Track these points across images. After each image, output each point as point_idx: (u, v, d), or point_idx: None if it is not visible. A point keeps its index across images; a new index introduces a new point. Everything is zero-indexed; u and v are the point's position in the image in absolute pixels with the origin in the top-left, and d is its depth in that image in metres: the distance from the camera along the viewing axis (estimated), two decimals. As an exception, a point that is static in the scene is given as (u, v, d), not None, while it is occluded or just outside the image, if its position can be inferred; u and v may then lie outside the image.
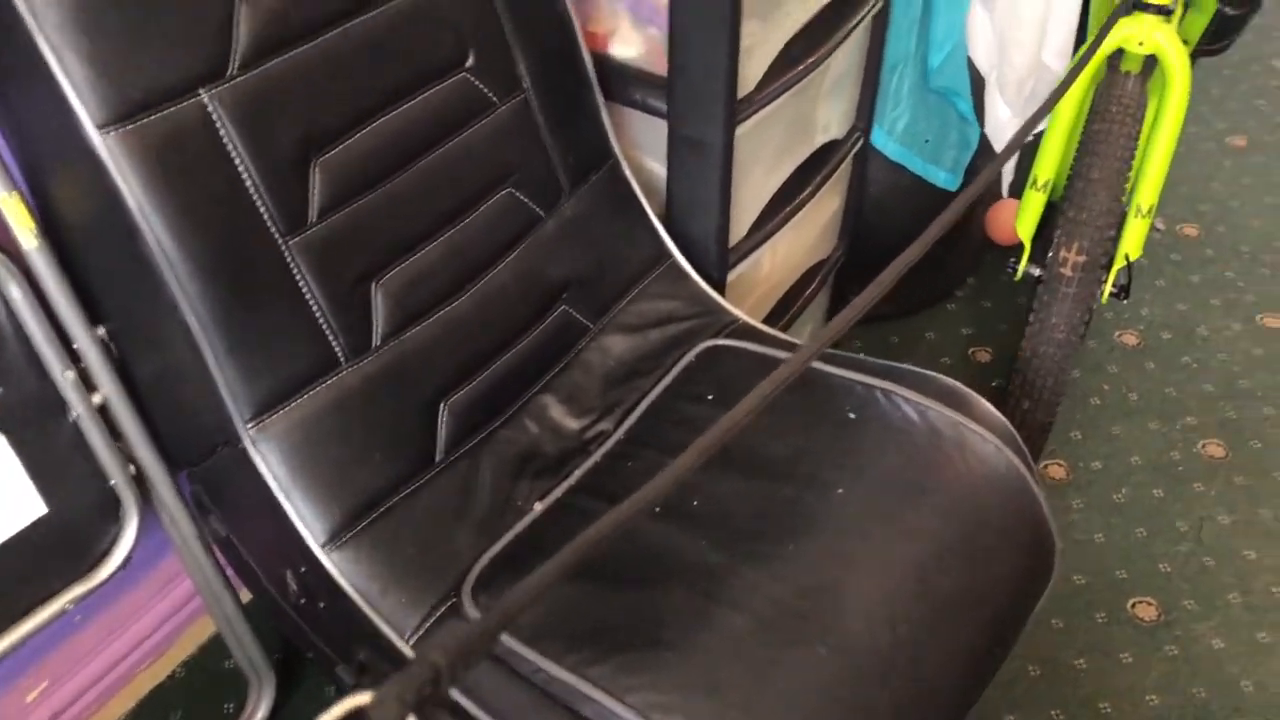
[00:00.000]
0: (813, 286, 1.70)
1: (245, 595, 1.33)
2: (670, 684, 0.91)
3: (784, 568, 0.99)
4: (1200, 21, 1.74)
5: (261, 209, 0.98)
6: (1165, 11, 1.43)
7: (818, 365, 1.20)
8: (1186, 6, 1.83)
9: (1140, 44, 1.44)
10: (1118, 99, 1.46)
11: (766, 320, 1.61)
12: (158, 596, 1.40)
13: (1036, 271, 1.60)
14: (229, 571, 1.28)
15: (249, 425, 1.01)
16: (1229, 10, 1.65)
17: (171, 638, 1.45)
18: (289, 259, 1.00)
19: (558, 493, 1.15)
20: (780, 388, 0.72)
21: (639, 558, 1.04)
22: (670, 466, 0.63)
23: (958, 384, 1.18)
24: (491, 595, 1.02)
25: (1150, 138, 1.51)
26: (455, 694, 0.97)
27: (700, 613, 0.97)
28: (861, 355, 1.23)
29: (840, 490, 1.06)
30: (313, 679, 1.45)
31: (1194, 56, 1.76)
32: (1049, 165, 1.58)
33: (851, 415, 1.14)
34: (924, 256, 2.06)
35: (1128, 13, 1.43)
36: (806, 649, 0.94)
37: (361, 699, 0.37)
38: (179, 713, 1.42)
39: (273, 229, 0.99)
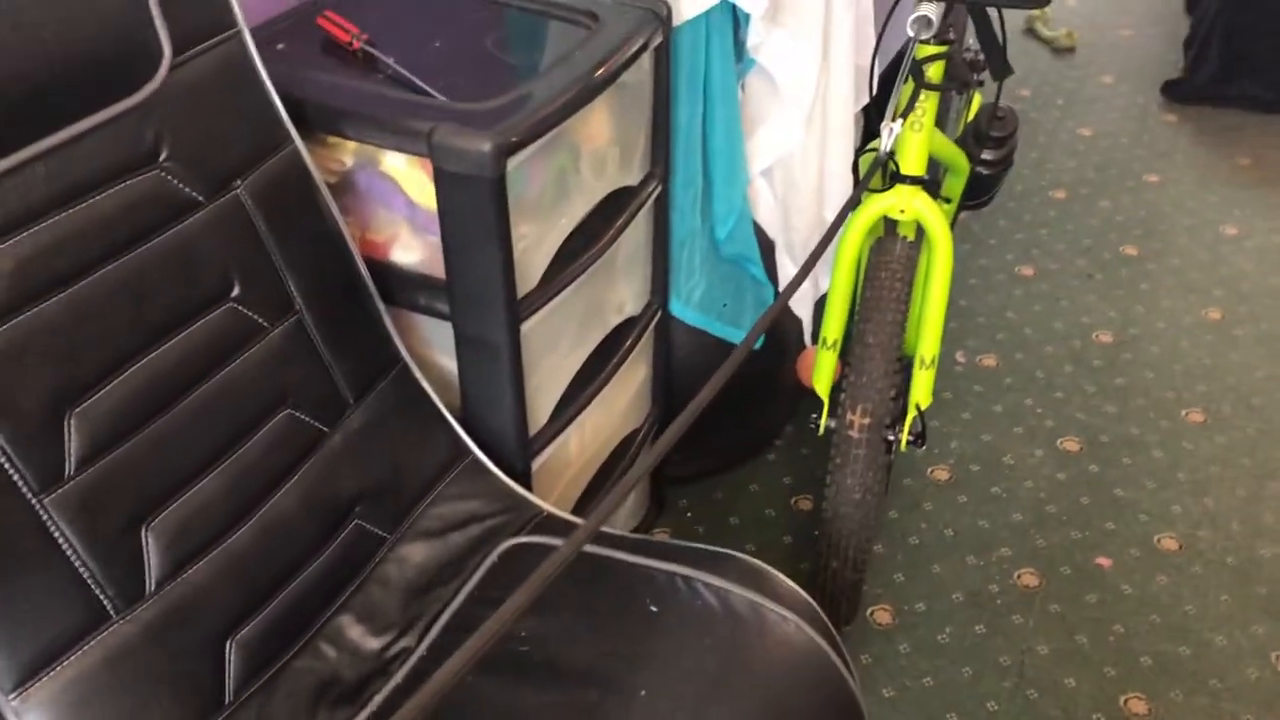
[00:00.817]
0: (627, 458, 1.72)
1: None
2: None
3: (587, 785, 0.98)
4: (959, 183, 1.86)
5: (9, 470, 0.94)
6: (922, 182, 1.53)
7: (615, 553, 1.21)
8: (944, 171, 1.96)
9: (902, 212, 1.54)
10: (886, 264, 1.54)
11: (581, 500, 1.62)
12: None
13: (835, 423, 1.65)
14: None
15: (11, 697, 0.95)
16: (984, 170, 1.77)
17: None
18: (44, 517, 0.96)
19: (358, 721, 1.11)
20: (547, 580, 0.73)
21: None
22: (434, 677, 0.62)
23: (758, 563, 1.20)
24: None
25: (924, 295, 1.59)
26: None
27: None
28: (663, 538, 1.24)
29: (643, 693, 1.05)
30: None
31: (959, 211, 1.88)
32: (835, 325, 1.65)
33: (653, 608, 1.14)
34: (739, 410, 2.11)
35: (888, 184, 1.53)
36: None
37: None
38: None
39: (24, 488, 0.95)
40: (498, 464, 1.36)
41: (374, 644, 1.18)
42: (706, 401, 0.90)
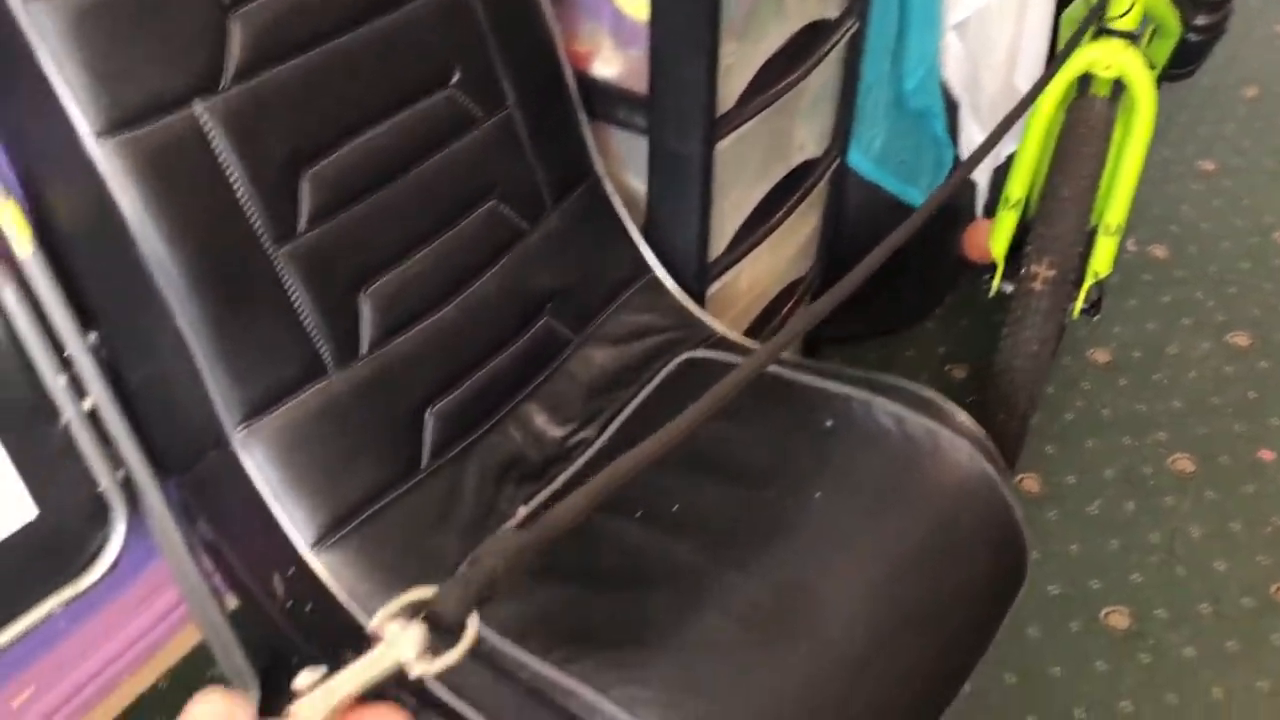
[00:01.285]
0: (790, 304, 1.73)
1: (231, 603, 1.35)
2: (653, 680, 0.93)
3: (762, 570, 1.02)
4: (1166, 47, 1.79)
5: (252, 218, 1.00)
6: (1132, 37, 1.47)
7: (796, 375, 1.23)
8: (1153, 32, 1.88)
9: (1107, 68, 1.49)
10: (1086, 121, 1.50)
11: (744, 335, 1.64)
12: (143, 605, 1.41)
13: (1010, 288, 1.63)
14: (216, 578, 1.29)
15: (238, 428, 1.03)
16: (1194, 37, 1.70)
17: (157, 646, 1.46)
18: (278, 267, 1.02)
19: (541, 498, 1.17)
20: (744, 381, 0.75)
21: (620, 561, 1.06)
22: (619, 460, 0.64)
23: (934, 393, 1.21)
24: (476, 596, 1.03)
25: (1118, 159, 1.55)
26: (442, 692, 0.98)
27: (681, 613, 0.99)
28: (838, 365, 1.26)
29: (818, 495, 1.09)
30: (296, 688, 1.46)
31: (1160, 81, 1.81)
32: (1021, 184, 1.62)
33: (829, 424, 1.17)
34: (902, 275, 2.10)
35: (1094, 37, 1.48)
36: (785, 648, 0.96)
37: (423, 592, 0.36)
38: (162, 722, 1.43)
39: (263, 238, 1.01)
40: (676, 284, 1.39)
41: (557, 432, 1.23)
42: (883, 259, 0.90)
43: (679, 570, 1.03)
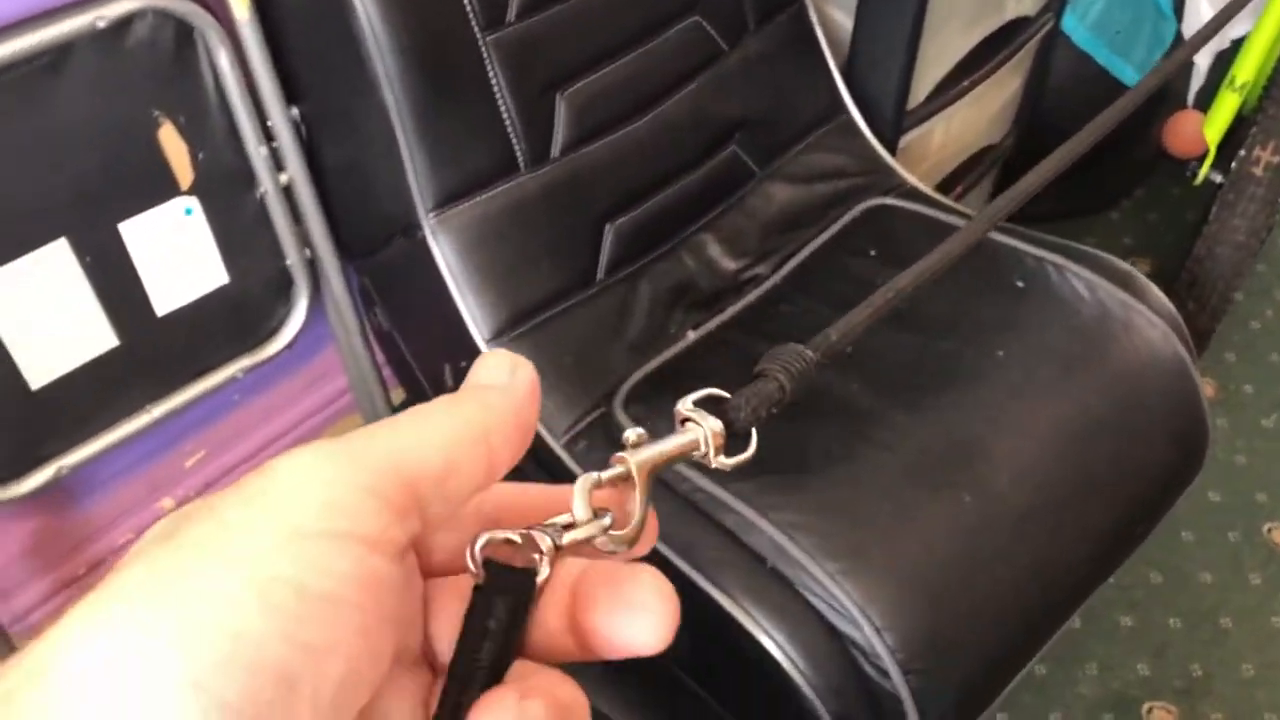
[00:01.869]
0: (978, 170, 1.66)
1: (396, 396, 1.39)
2: (812, 507, 0.93)
3: (936, 417, 1.00)
4: None
5: (466, 1, 0.99)
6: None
7: (989, 234, 1.18)
8: None
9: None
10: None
11: (928, 196, 1.58)
12: (311, 388, 1.47)
13: (1218, 177, 1.53)
14: (385, 370, 1.33)
15: (431, 214, 1.04)
16: None
17: (318, 430, 1.52)
18: (485, 54, 1.01)
19: (711, 325, 1.16)
20: (973, 242, 0.71)
21: (790, 391, 1.05)
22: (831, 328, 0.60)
23: (1131, 268, 1.15)
24: (642, 408, 1.04)
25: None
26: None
27: (848, 449, 0.98)
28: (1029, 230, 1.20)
29: (1001, 353, 1.05)
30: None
31: None
32: (1250, 67, 1.50)
33: (1020, 284, 1.12)
34: (1094, 158, 1.98)
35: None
36: (950, 495, 0.94)
37: (721, 392, 0.35)
38: (319, 502, 1.50)
39: (474, 23, 1.00)
40: (869, 129, 1.34)
41: (730, 264, 1.22)
42: (1098, 135, 0.83)
43: (849, 407, 1.01)
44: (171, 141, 1.05)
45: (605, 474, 0.29)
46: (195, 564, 0.21)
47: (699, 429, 0.31)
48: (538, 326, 1.09)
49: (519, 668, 0.26)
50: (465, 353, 1.08)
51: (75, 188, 1.01)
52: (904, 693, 0.88)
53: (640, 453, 0.29)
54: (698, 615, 0.96)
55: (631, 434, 0.30)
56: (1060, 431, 1.00)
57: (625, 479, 0.29)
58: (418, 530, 0.23)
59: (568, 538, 0.27)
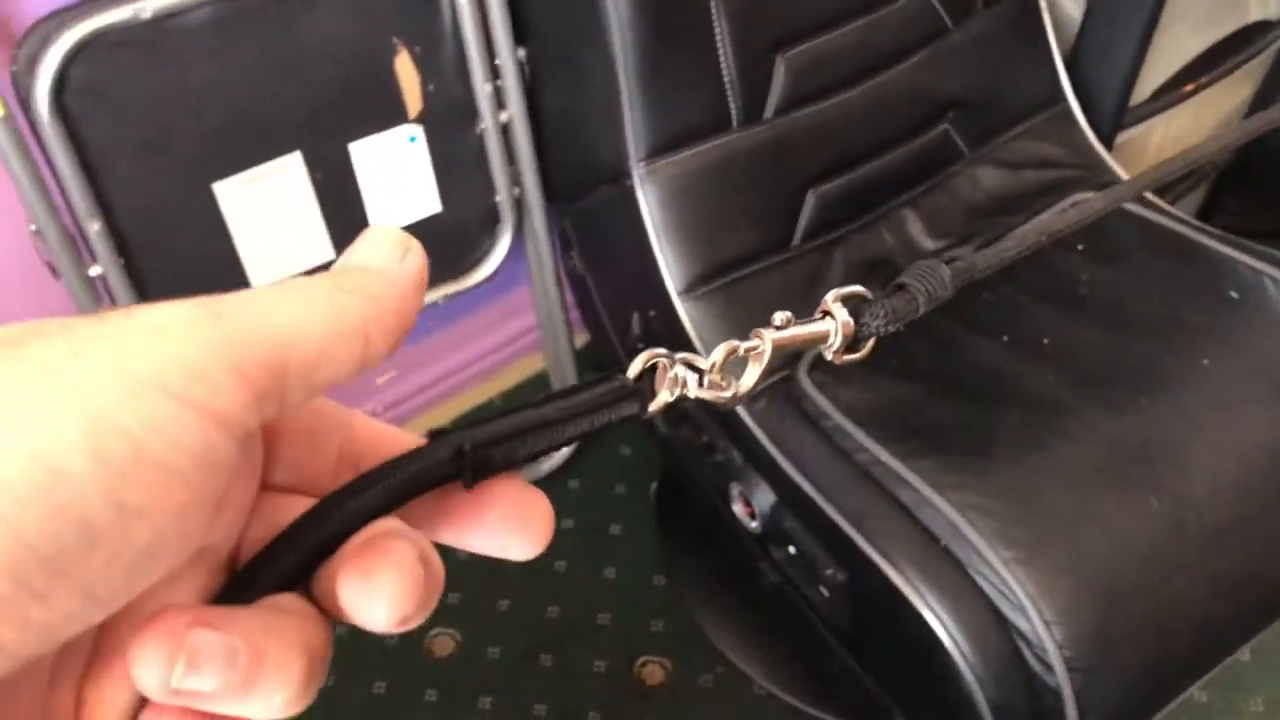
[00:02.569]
0: (1193, 178, 1.60)
1: (579, 340, 1.43)
2: (993, 491, 0.92)
3: (1130, 417, 0.97)
4: None
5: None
6: None
7: (1202, 238, 1.14)
8: None
9: None
10: None
11: (1137, 199, 1.53)
12: (499, 324, 1.52)
13: None
14: (573, 313, 1.37)
15: (641, 164, 1.06)
16: None
17: (502, 365, 1.57)
18: (714, 9, 1.03)
19: (924, 262, 1.15)
20: (1109, 209, 0.68)
21: (978, 376, 1.04)
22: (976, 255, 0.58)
23: (1359, 290, 1.09)
24: (826, 374, 1.05)
25: None
26: (775, 455, 1.01)
27: (1034, 437, 0.96)
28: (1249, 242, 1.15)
29: (1206, 361, 1.01)
30: (617, 429, 1.55)
31: None
32: None
33: (1234, 295, 1.08)
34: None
35: None
36: (1137, 497, 0.92)
37: (864, 291, 0.36)
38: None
39: (704, -24, 1.02)
40: (1087, 122, 1.30)
41: (929, 244, 1.20)
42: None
43: (1039, 398, 0.99)
44: (405, 70, 1.10)
45: (743, 345, 0.31)
46: (31, 382, 0.19)
47: (832, 321, 0.33)
48: (730, 284, 1.10)
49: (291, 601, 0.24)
50: (655, 302, 1.10)
51: (314, 105, 1.07)
52: (1066, 689, 0.87)
53: (777, 335, 0.32)
54: (862, 586, 0.97)
55: (779, 316, 0.32)
56: (1264, 450, 0.96)
57: (757, 351, 0.31)
58: (273, 416, 0.22)
59: (703, 384, 0.30)
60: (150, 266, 1.06)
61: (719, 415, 1.08)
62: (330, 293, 0.23)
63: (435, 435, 0.26)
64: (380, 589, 0.23)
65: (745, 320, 1.09)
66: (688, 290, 1.08)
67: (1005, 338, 1.07)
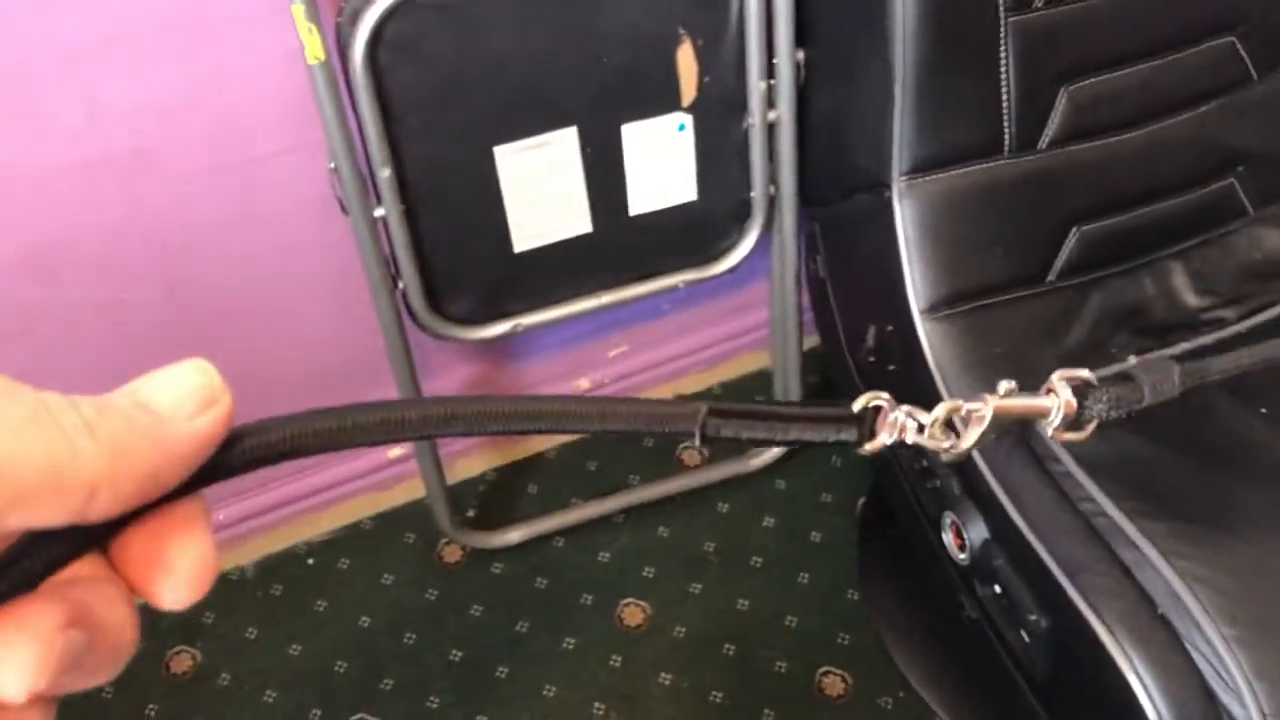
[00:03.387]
0: None
1: (807, 343, 1.44)
2: (1224, 565, 0.87)
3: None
4: None
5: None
6: None
7: None
8: None
9: None
10: None
11: None
12: (731, 316, 1.55)
13: None
14: (806, 315, 1.38)
15: (903, 177, 1.06)
16: None
17: (725, 357, 1.60)
18: (1003, 34, 1.01)
19: (1155, 357, 1.11)
20: None
21: (1227, 444, 0.99)
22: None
23: None
24: (1062, 418, 1.02)
25: None
26: (996, 491, 0.99)
27: (1277, 518, 0.91)
28: None
29: None
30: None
31: None
32: None
33: None
34: None
35: None
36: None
37: (1088, 375, 0.38)
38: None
39: (1000, 1, 1.00)
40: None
41: (1193, 300, 1.15)
42: None
43: (1291, 478, 0.94)
44: (686, 60, 1.14)
45: (966, 405, 0.33)
46: None
47: (1056, 399, 0.34)
48: (976, 310, 1.08)
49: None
50: (895, 318, 1.10)
51: (598, 84, 1.12)
52: (1274, 787, 0.82)
53: (999, 401, 0.33)
54: (1066, 638, 0.94)
55: (1004, 385, 0.34)
56: None
57: (979, 415, 0.33)
58: None
59: (922, 434, 0.33)
60: (426, 215, 1.13)
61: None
62: (70, 434, 0.20)
63: None
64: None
65: (986, 350, 1.07)
66: (931, 310, 1.08)
67: (1264, 410, 1.01)
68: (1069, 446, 0.98)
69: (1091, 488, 0.94)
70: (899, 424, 0.32)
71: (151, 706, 1.32)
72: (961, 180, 1.07)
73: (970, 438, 0.33)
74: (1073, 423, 0.36)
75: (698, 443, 0.29)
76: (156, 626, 1.38)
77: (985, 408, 0.33)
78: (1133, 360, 1.10)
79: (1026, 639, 0.99)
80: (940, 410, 0.33)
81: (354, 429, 0.26)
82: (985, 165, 1.07)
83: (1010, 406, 0.34)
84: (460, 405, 0.27)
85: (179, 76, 1.04)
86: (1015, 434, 1.02)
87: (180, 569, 0.23)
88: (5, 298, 1.11)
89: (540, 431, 0.29)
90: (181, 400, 0.21)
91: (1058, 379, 0.35)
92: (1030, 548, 0.96)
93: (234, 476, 0.24)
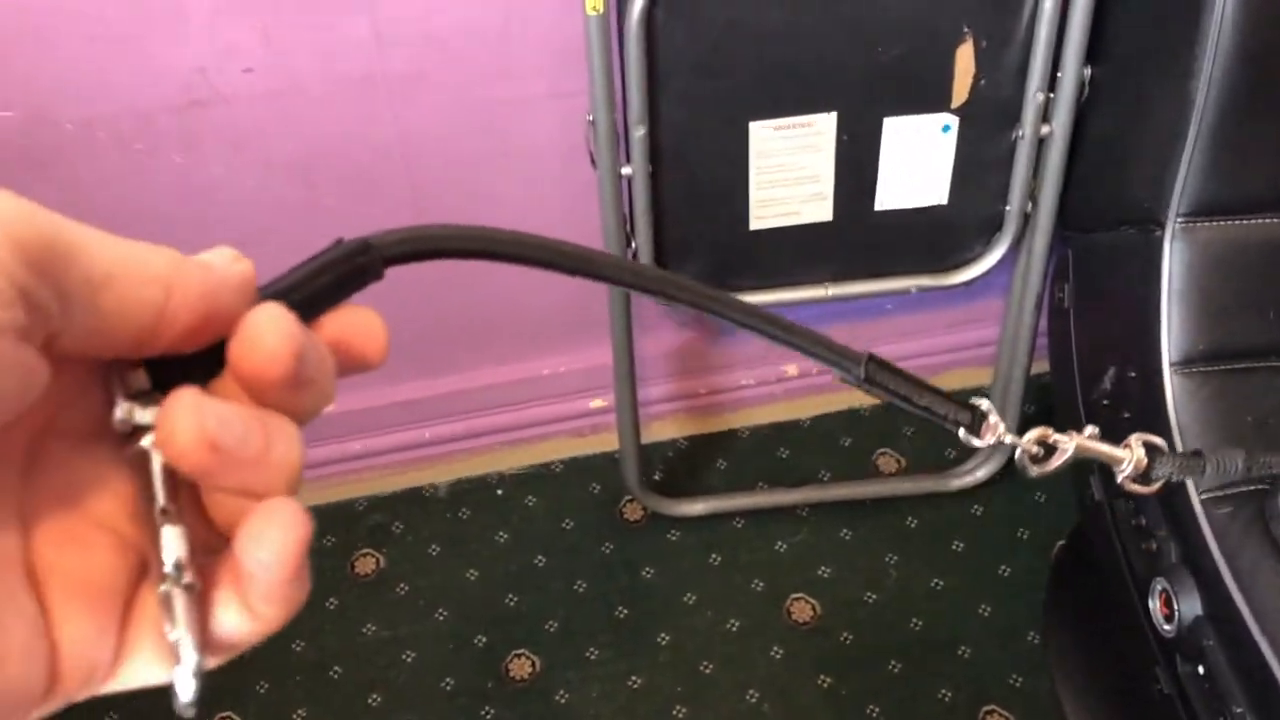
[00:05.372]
0: None
1: (1036, 368, 1.37)
2: None
3: None
4: None
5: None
6: None
7: None
8: None
9: None
10: None
11: None
12: (957, 328, 1.49)
13: None
14: (1037, 340, 1.32)
15: (1180, 218, 0.99)
16: None
17: (943, 368, 1.54)
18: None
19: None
20: None
21: None
22: None
23: None
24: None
25: None
26: (1222, 568, 0.92)
27: None
28: None
29: None
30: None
31: None
32: None
33: None
34: None
35: None
36: None
37: (1160, 442, 0.42)
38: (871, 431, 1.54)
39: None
40: None
41: None
42: None
43: None
44: (964, 60, 1.09)
45: (1055, 435, 0.39)
46: None
47: (1130, 454, 0.40)
48: (1232, 373, 1.01)
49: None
50: (1140, 363, 1.03)
51: (867, 72, 1.09)
52: None
53: (1082, 440, 0.39)
54: (1255, 690, 0.87)
55: (1089, 429, 0.40)
56: None
57: (1062, 447, 0.39)
58: (43, 298, 0.22)
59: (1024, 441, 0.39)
60: (671, 179, 1.13)
61: (1166, 502, 1.00)
62: (150, 248, 0.24)
63: None
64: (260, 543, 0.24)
65: (1235, 416, 1.00)
66: (1184, 363, 1.00)
67: None
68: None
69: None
70: (997, 428, 0.38)
71: (332, 600, 1.39)
72: (1244, 232, 0.99)
73: (1054, 463, 0.39)
74: (1142, 477, 0.41)
75: (862, 378, 0.35)
76: (350, 529, 1.45)
77: (1070, 442, 0.38)
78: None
79: (1225, 730, 0.92)
80: (1033, 432, 0.38)
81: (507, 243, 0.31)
82: (1273, 220, 0.98)
83: (1091, 448, 0.39)
84: (652, 272, 0.32)
85: (464, 7, 1.07)
86: (1255, 512, 0.95)
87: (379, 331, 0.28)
88: (265, 193, 1.17)
89: (721, 316, 0.33)
90: (220, 259, 0.26)
91: (1135, 439, 0.41)
92: (1249, 636, 0.88)
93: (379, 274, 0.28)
